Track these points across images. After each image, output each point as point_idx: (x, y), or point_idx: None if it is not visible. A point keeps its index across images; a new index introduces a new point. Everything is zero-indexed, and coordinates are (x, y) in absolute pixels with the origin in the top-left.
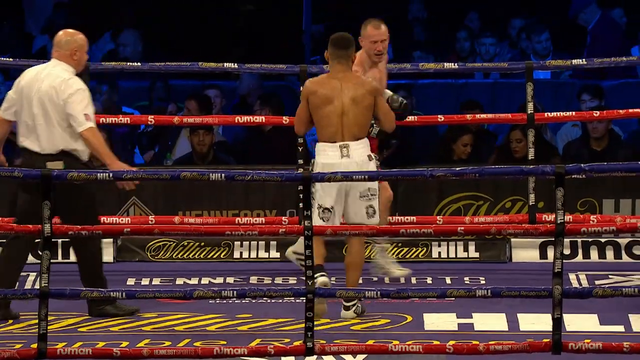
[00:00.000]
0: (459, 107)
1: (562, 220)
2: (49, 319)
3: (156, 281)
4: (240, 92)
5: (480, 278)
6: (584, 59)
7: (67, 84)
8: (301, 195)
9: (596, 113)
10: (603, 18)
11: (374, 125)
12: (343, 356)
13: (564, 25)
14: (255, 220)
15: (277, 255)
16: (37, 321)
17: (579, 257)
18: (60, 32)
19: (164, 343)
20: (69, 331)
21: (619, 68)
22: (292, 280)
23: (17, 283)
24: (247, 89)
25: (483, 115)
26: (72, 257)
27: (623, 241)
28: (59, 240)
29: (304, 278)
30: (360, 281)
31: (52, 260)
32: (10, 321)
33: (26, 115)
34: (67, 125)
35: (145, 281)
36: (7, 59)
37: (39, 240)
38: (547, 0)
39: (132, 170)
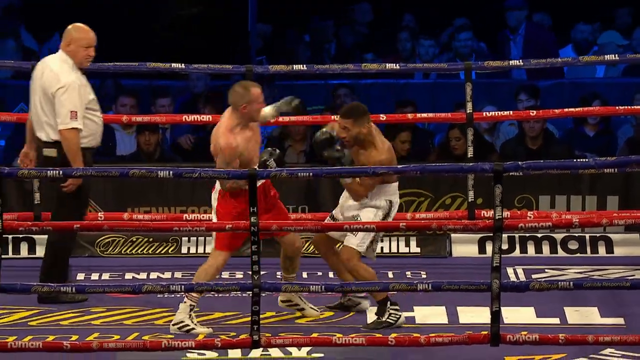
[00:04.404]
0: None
1: (500, 216)
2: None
3: (105, 276)
4: (195, 91)
5: (422, 272)
6: (520, 60)
7: (56, 77)
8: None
9: (533, 112)
10: (531, 23)
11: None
12: (288, 348)
13: (491, 26)
14: (202, 217)
15: None
16: None
17: (517, 252)
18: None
19: (113, 337)
20: (20, 325)
21: (551, 69)
22: (239, 275)
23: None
24: (202, 88)
25: (424, 115)
26: (23, 253)
27: (559, 236)
28: (10, 237)
29: (250, 272)
30: (305, 275)
31: (3, 256)
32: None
33: (33, 105)
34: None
35: (95, 276)
36: None
37: None
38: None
39: (82, 168)
